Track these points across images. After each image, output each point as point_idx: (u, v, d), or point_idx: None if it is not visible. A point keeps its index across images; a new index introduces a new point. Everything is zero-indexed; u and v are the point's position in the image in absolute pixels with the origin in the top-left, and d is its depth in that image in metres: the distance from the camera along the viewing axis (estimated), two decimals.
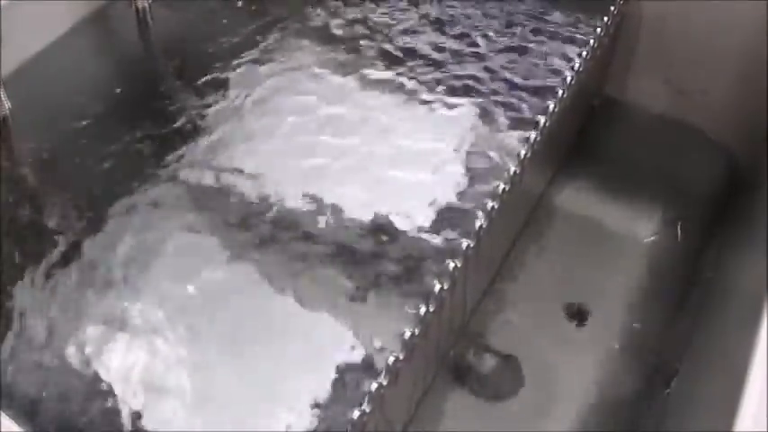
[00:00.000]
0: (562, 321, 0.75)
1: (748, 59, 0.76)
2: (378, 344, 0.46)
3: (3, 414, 0.39)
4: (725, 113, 0.82)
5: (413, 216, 0.53)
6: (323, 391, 0.44)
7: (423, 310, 0.48)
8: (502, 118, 0.60)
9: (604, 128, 0.88)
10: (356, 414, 0.43)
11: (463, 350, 0.71)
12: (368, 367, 0.45)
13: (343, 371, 0.45)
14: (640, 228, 0.82)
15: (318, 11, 0.70)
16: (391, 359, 0.46)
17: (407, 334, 0.47)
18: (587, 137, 0.88)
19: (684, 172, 0.85)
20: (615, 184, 0.85)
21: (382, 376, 0.45)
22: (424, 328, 0.48)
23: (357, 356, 0.46)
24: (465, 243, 0.51)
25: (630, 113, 0.87)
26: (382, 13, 0.69)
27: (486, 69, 0.64)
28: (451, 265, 0.50)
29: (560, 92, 0.62)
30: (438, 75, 0.63)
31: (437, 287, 0.49)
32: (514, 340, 0.72)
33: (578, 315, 0.75)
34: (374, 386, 0.44)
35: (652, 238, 0.81)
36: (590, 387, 0.70)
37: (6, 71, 0.62)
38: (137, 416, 0.44)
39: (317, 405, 0.44)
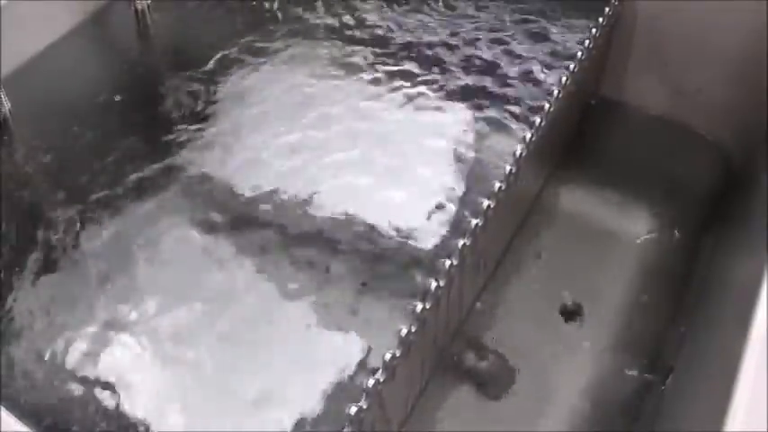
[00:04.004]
0: (558, 320, 0.75)
1: (743, 58, 0.77)
2: (375, 341, 0.47)
3: (5, 411, 0.39)
4: (720, 113, 0.82)
5: (409, 214, 0.54)
6: (321, 387, 0.45)
7: (419, 307, 0.49)
8: (498, 117, 0.60)
9: (600, 128, 0.89)
10: (353, 410, 0.44)
11: (460, 349, 0.71)
12: (365, 364, 0.46)
13: (341, 367, 0.46)
14: (636, 227, 0.82)
15: (321, 10, 0.70)
16: (388, 356, 0.46)
17: (404, 331, 0.47)
18: (583, 137, 0.88)
19: (680, 171, 0.85)
20: (611, 183, 0.85)
21: (379, 373, 0.45)
22: (420, 325, 0.49)
23: (354, 353, 0.46)
24: (461, 241, 0.52)
25: (626, 113, 0.87)
26: (382, 9, 0.70)
27: (483, 70, 0.64)
28: (447, 263, 0.51)
29: (556, 92, 0.62)
30: (435, 75, 0.64)
31: (433, 285, 0.50)
32: (511, 339, 0.73)
33: (574, 314, 0.75)
34: (371, 382, 0.45)
35: (648, 236, 0.81)
36: (586, 385, 0.70)
37: (6, 71, 0.63)
38: (133, 415, 0.44)
39: (314, 401, 0.44)
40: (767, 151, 0.70)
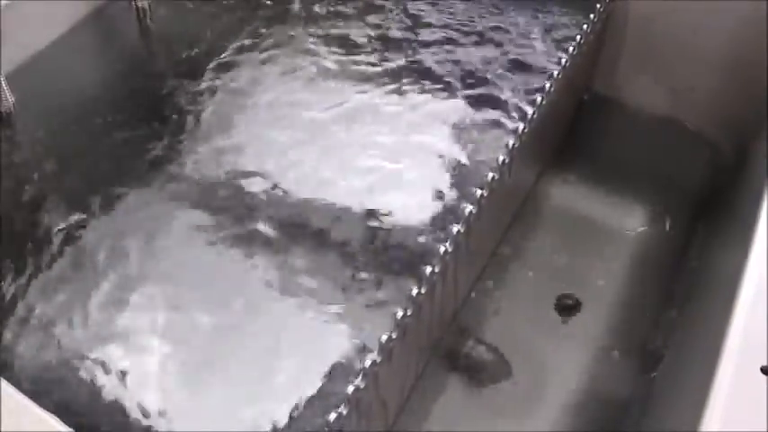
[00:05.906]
0: (552, 312, 0.76)
1: (735, 57, 0.78)
2: (372, 323, 0.48)
3: (5, 383, 0.40)
4: (711, 110, 0.83)
5: (405, 202, 0.55)
6: (320, 367, 0.46)
7: (414, 291, 0.50)
8: (492, 110, 0.62)
9: (593, 124, 0.90)
10: (351, 389, 0.45)
11: (455, 340, 0.72)
12: (362, 345, 0.47)
13: (339, 349, 0.47)
14: (629, 221, 0.84)
15: (321, 9, 0.72)
16: (384, 337, 0.47)
17: (400, 314, 0.49)
18: (577, 133, 0.89)
19: (671, 167, 0.86)
20: (604, 178, 0.87)
21: (376, 353, 0.46)
22: (416, 309, 0.50)
23: (352, 335, 0.48)
24: (455, 228, 0.53)
25: (619, 110, 0.89)
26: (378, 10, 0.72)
27: (476, 63, 0.66)
28: (442, 249, 0.52)
29: (548, 86, 0.64)
30: (430, 67, 0.65)
31: (428, 270, 0.51)
32: (505, 331, 0.74)
33: (568, 306, 0.76)
34: (368, 363, 0.46)
35: (640, 230, 0.83)
36: (580, 376, 0.71)
37: (10, 67, 0.64)
38: (139, 404, 0.45)
39: (314, 381, 0.45)
40: (767, 148, 0.71)
